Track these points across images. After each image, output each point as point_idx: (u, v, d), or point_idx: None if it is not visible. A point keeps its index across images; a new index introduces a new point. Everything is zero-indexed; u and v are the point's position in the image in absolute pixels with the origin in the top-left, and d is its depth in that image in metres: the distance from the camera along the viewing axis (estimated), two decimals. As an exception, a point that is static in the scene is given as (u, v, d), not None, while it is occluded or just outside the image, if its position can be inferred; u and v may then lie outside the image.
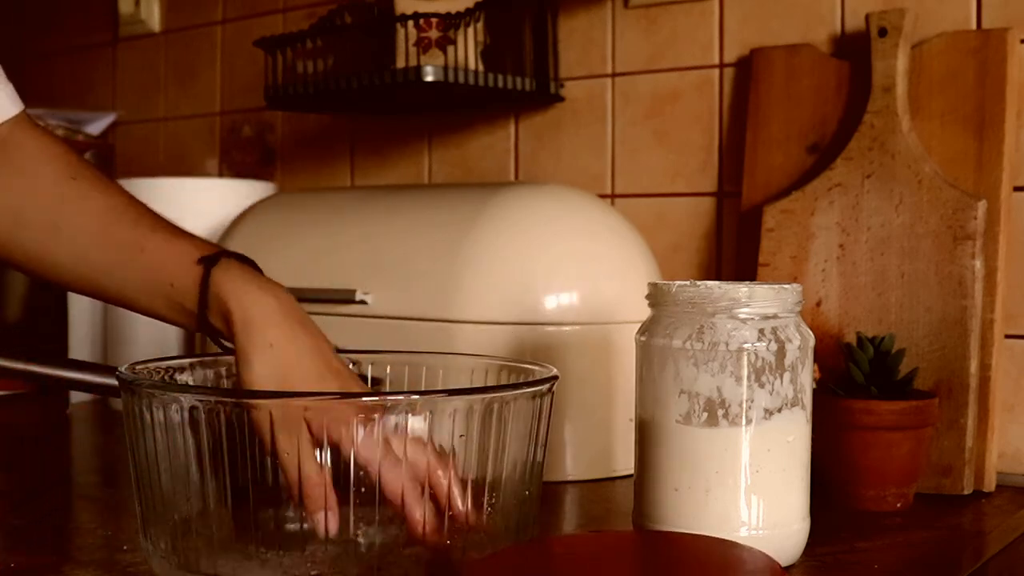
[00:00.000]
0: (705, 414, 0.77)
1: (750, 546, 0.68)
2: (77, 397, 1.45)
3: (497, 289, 1.06)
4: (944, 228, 1.03)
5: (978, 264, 1.02)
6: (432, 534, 0.71)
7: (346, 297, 1.14)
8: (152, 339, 1.39)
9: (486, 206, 1.11)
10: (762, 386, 0.76)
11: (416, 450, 0.70)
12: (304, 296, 1.17)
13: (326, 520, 0.70)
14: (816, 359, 0.87)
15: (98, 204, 0.84)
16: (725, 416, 0.76)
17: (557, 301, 1.06)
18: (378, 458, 0.70)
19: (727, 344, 0.76)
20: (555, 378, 0.76)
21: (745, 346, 0.76)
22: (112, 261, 0.83)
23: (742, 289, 0.77)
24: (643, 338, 0.81)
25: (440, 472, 0.71)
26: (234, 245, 1.28)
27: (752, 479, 0.77)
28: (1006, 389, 1.06)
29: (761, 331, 0.77)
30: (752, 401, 0.76)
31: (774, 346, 0.77)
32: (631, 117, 1.31)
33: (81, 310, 1.51)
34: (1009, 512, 0.96)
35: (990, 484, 1.03)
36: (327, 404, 0.70)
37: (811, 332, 0.80)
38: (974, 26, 1.09)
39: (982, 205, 1.02)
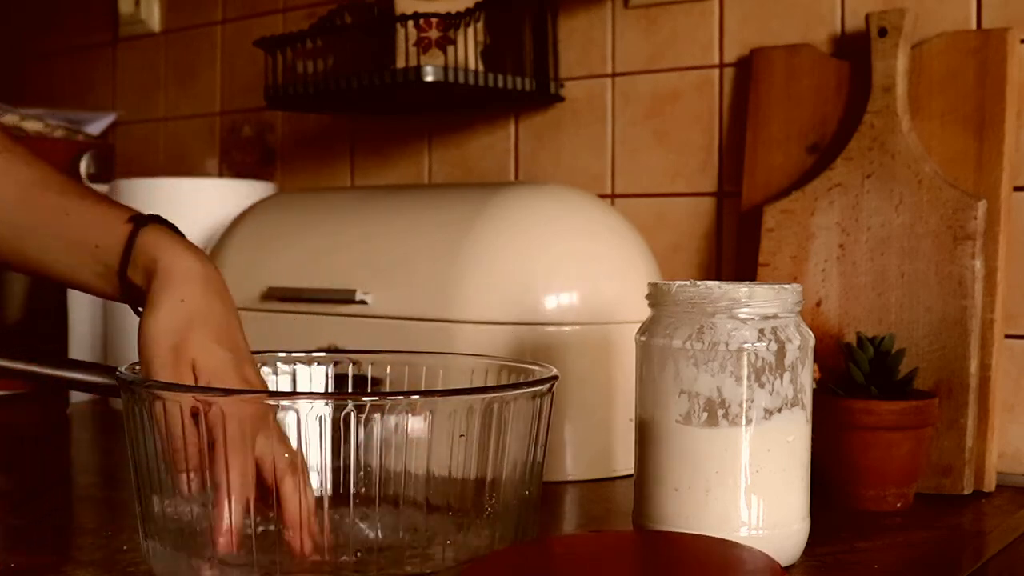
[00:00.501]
0: (705, 414, 0.77)
1: (750, 546, 0.68)
2: (77, 397, 1.45)
3: (497, 289, 1.06)
4: (944, 228, 1.03)
5: (978, 264, 1.02)
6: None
7: (346, 297, 1.14)
8: (152, 339, 1.39)
9: (486, 206, 1.11)
10: (762, 386, 0.76)
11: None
12: (304, 296, 1.17)
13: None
14: (816, 359, 0.87)
15: (24, 174, 0.83)
16: (725, 416, 0.76)
17: (557, 301, 1.06)
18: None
19: (727, 344, 0.76)
20: (555, 378, 0.76)
21: (745, 346, 0.76)
22: (34, 226, 0.82)
23: (742, 289, 0.77)
24: (643, 338, 0.81)
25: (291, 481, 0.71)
26: (234, 245, 1.28)
27: (752, 479, 0.77)
28: (1006, 389, 1.06)
29: (761, 331, 0.77)
30: (752, 401, 0.76)
31: (774, 346, 0.77)
32: (631, 117, 1.31)
33: (81, 310, 1.51)
34: (1009, 512, 0.96)
35: (990, 484, 1.03)
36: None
37: (811, 332, 0.80)
38: (974, 26, 1.09)
39: (982, 205, 1.02)
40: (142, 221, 0.80)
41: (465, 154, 1.45)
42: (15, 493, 1.04)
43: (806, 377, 0.79)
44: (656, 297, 0.81)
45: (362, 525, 0.72)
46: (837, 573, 0.79)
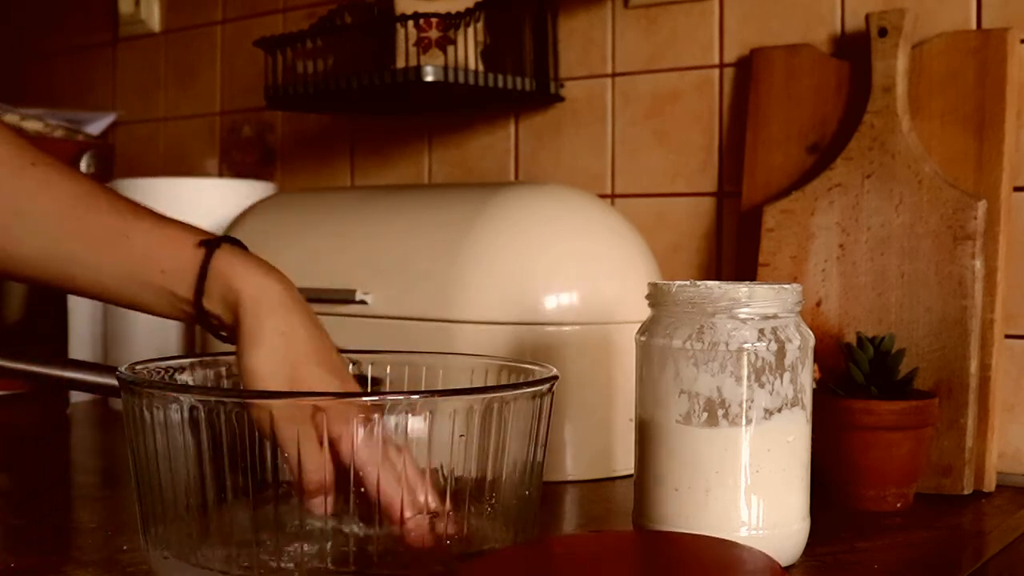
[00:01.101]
0: (705, 414, 0.77)
1: (750, 546, 0.68)
2: (77, 397, 1.45)
3: (497, 289, 1.06)
4: (944, 228, 1.03)
5: (978, 264, 1.02)
6: (425, 538, 0.71)
7: (346, 297, 1.14)
8: (152, 339, 1.39)
9: (486, 206, 1.11)
10: (762, 386, 0.76)
11: (409, 460, 0.70)
12: (304, 296, 1.17)
13: (324, 504, 0.70)
14: (816, 359, 0.87)
15: (65, 190, 0.78)
16: (725, 416, 0.76)
17: (557, 301, 1.06)
18: (377, 460, 0.70)
19: (727, 344, 0.76)
20: (555, 378, 0.76)
21: (745, 346, 0.76)
22: (86, 249, 0.78)
23: (742, 289, 0.77)
24: (643, 338, 0.81)
25: (421, 485, 0.71)
26: (234, 245, 1.28)
27: (752, 479, 0.77)
28: (1006, 389, 1.06)
29: (761, 331, 0.77)
30: (752, 401, 0.76)
31: (774, 346, 0.77)
32: (631, 117, 1.31)
33: (81, 310, 1.50)
34: (1009, 512, 0.96)
35: (990, 484, 1.03)
36: (333, 404, 0.70)
37: (811, 332, 0.80)
38: (974, 26, 1.09)
39: (982, 205, 1.02)
40: (213, 244, 0.76)
41: (465, 154, 1.45)
42: (15, 493, 1.04)
43: (806, 377, 0.79)
44: (656, 297, 0.81)
45: (361, 525, 0.72)
46: (837, 573, 0.79)
